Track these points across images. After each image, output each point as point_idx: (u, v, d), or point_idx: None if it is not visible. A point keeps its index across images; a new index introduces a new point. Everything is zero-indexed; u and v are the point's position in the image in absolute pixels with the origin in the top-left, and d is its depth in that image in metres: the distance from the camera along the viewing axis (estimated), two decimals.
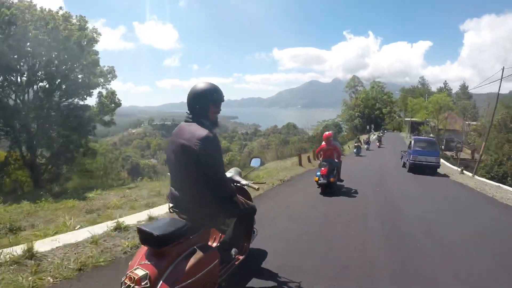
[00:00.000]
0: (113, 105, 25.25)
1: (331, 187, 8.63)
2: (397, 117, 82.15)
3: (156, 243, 2.24)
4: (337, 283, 3.46)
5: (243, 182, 3.36)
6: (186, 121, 2.73)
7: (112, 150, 59.91)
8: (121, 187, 14.42)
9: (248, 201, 3.24)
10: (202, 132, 2.53)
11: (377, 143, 34.83)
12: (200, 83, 2.73)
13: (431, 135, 40.79)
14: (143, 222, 4.95)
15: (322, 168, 8.56)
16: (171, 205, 2.83)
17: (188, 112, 2.75)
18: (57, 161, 23.42)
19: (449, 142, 40.46)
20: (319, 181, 8.52)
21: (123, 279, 2.16)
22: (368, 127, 65.14)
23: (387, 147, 33.92)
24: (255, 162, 4.09)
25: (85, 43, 22.37)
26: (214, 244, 3.33)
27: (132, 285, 2.09)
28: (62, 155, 23.16)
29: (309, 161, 18.37)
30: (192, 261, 2.33)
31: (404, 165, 17.94)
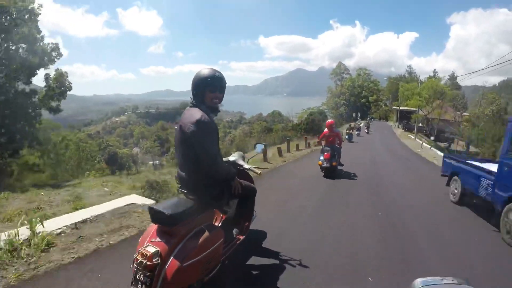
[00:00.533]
0: (62, 88, 21.75)
1: (333, 171, 9.29)
2: (383, 106, 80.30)
3: (167, 222, 2.42)
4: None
5: (246, 166, 3.57)
6: (190, 106, 2.77)
7: (87, 139, 56.47)
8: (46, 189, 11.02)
9: (250, 184, 3.45)
10: (197, 115, 2.59)
11: (366, 130, 35.55)
12: (203, 69, 2.78)
13: (420, 124, 38.68)
14: None
15: (325, 153, 9.21)
16: (179, 185, 2.95)
17: (191, 97, 2.80)
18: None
19: (440, 132, 38.27)
20: (322, 165, 9.25)
21: (135, 256, 2.29)
22: (354, 115, 62.50)
23: (375, 135, 33.56)
24: (259, 148, 4.09)
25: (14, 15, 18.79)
26: (217, 224, 3.39)
27: (144, 261, 2.21)
28: (4, 146, 19.68)
29: (289, 150, 15.86)
30: (200, 239, 2.50)
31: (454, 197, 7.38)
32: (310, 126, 65.96)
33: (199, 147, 2.60)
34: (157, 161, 64.81)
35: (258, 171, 3.55)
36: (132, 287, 2.30)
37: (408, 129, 39.73)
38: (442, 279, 1.23)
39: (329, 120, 10.25)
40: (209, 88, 2.71)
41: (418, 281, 1.23)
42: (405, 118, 47.80)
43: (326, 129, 9.81)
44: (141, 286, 2.25)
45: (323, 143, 9.97)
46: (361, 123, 45.74)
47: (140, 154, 67.34)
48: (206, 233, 2.56)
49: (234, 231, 3.38)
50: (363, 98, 78.95)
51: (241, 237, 3.42)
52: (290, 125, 65.98)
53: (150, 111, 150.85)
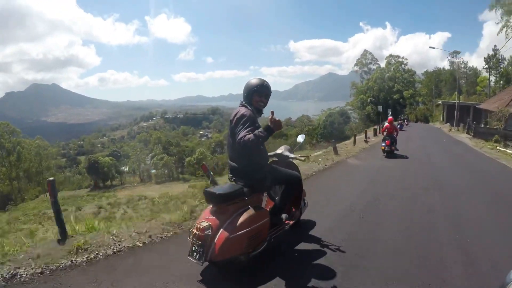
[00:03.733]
0: None
1: (392, 153, 12.76)
2: (420, 105, 64.05)
3: (217, 200, 3.02)
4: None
5: (291, 155, 3.99)
6: (240, 106, 3.33)
7: (46, 146, 54.98)
8: None
9: (294, 172, 3.88)
10: (241, 110, 3.16)
11: (405, 123, 36.92)
12: (254, 78, 3.42)
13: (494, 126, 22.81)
14: None
15: (386, 140, 12.66)
16: (230, 175, 3.44)
17: (242, 100, 3.38)
18: None
19: None
20: (384, 149, 12.69)
21: (191, 229, 2.94)
22: (389, 111, 45.41)
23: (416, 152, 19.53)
24: (300, 138, 4.42)
25: None
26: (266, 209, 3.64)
27: (198, 233, 2.79)
28: None
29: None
30: (245, 216, 2.99)
31: None
32: (329, 130, 50.38)
33: (235, 129, 3.06)
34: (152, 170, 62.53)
35: (302, 158, 4.61)
36: (189, 257, 2.91)
37: (479, 133, 23.10)
38: None
39: (390, 117, 15.06)
40: (257, 93, 3.33)
41: None
42: (463, 116, 31.92)
43: (387, 123, 13.49)
44: (195, 256, 2.84)
45: (383, 133, 13.35)
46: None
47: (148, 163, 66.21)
48: (251, 211, 3.06)
49: (283, 216, 3.68)
50: (396, 94, 61.79)
51: (290, 222, 3.78)
52: (306, 129, 52.72)
53: (178, 116, 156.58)
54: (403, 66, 65.44)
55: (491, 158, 13.46)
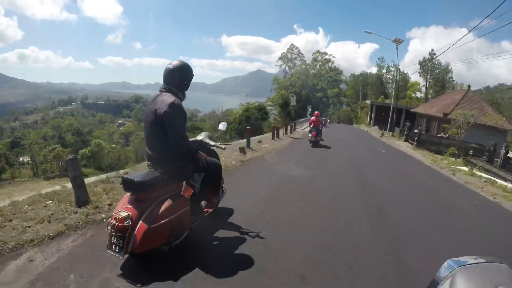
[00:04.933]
0: None
1: (317, 143, 14.15)
2: (344, 106, 60.49)
3: (137, 189, 2.81)
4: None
5: (212, 143, 3.88)
6: (160, 91, 3.16)
7: None
8: None
9: (215, 159, 3.80)
10: (170, 99, 2.98)
11: (328, 121, 36.66)
12: (178, 61, 3.23)
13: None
14: None
15: (313, 132, 14.05)
16: (148, 163, 3.27)
17: (164, 84, 3.16)
18: None
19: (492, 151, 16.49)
20: (311, 139, 14.07)
21: (109, 220, 2.67)
22: (309, 108, 40.76)
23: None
24: (222, 126, 4.44)
25: None
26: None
27: (117, 224, 2.57)
28: None
29: None
30: (166, 205, 2.86)
31: None
32: (245, 125, 43.57)
33: (170, 127, 2.94)
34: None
35: (223, 146, 3.95)
36: (108, 250, 2.65)
37: (422, 142, 17.37)
38: (475, 258, 1.18)
39: (316, 112, 15.82)
40: (188, 78, 3.24)
41: (450, 262, 1.17)
42: (408, 121, 26.72)
43: (314, 117, 14.79)
44: (115, 248, 2.60)
45: (310, 126, 14.71)
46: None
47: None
48: (172, 200, 2.92)
49: (203, 203, 3.62)
50: (320, 92, 56.74)
51: (209, 210, 3.82)
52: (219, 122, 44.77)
53: (99, 102, 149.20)
54: (330, 64, 60.83)
55: (498, 205, 6.89)
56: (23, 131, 79.79)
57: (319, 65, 60.49)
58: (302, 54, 63.57)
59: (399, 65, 43.51)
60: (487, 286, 1.06)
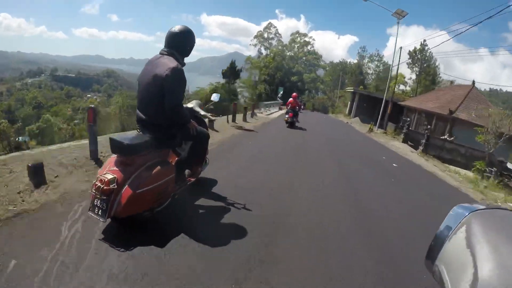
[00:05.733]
0: None
1: (293, 124, 14.16)
2: (320, 94, 56.90)
3: (125, 152, 2.67)
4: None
5: (202, 113, 3.82)
6: (161, 54, 3.02)
7: None
8: None
9: (204, 129, 3.65)
10: (173, 63, 2.86)
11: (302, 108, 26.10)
12: (183, 26, 3.09)
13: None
14: None
15: (290, 113, 14.02)
16: (138, 125, 3.12)
17: (166, 47, 3.02)
18: None
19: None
20: (287, 120, 14.06)
21: (94, 181, 2.56)
22: (280, 90, 36.46)
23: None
24: (215, 97, 4.36)
25: None
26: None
27: (102, 186, 2.47)
28: None
29: None
30: (153, 171, 2.73)
31: None
32: (210, 106, 41.00)
33: (169, 92, 2.84)
34: None
35: (213, 118, 4.17)
36: (90, 212, 2.54)
37: (431, 147, 12.67)
38: (484, 204, 1.15)
39: (294, 94, 15.31)
40: (192, 44, 3.14)
41: (459, 210, 1.14)
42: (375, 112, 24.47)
43: (291, 99, 14.52)
44: (98, 211, 2.48)
45: (287, 107, 14.59)
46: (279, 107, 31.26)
47: None
48: (159, 167, 2.80)
49: (186, 172, 3.58)
50: (295, 75, 51.76)
51: (192, 179, 3.65)
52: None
53: (69, 75, 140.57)
54: (309, 47, 55.82)
55: None
56: None
57: (297, 46, 55.54)
58: (279, 34, 58.03)
59: (401, 47, 38.61)
60: (504, 229, 1.04)
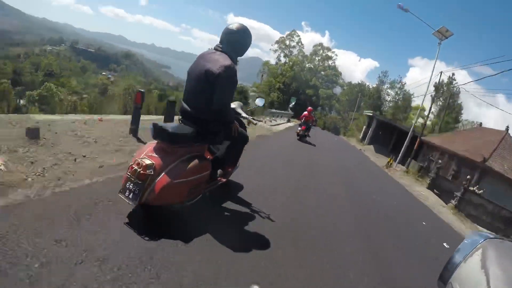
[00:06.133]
0: None
1: (305, 137, 13.99)
2: (333, 113, 54.86)
3: (168, 139, 2.56)
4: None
5: (244, 115, 3.68)
6: (215, 49, 2.89)
7: None
8: None
9: (244, 131, 3.50)
10: (227, 61, 2.73)
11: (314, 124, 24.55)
12: (240, 24, 2.93)
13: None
14: None
15: (302, 126, 13.76)
16: (181, 117, 3.03)
17: (221, 43, 2.89)
18: None
19: None
20: (299, 133, 13.74)
21: (130, 163, 2.45)
22: (293, 101, 34.65)
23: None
24: (259, 101, 4.16)
25: None
26: None
27: (139, 170, 2.35)
28: None
29: None
30: (192, 164, 2.62)
31: None
32: None
33: (220, 90, 2.73)
34: None
35: (255, 122, 3.90)
36: (120, 194, 2.42)
37: (473, 207, 10.12)
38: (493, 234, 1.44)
39: (309, 108, 15.02)
40: (248, 45, 3.01)
41: (474, 236, 1.24)
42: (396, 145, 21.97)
43: (306, 112, 14.19)
44: (129, 194, 2.37)
45: (301, 120, 14.16)
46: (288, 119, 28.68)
47: None
48: (197, 160, 2.69)
49: (219, 171, 3.43)
50: (311, 89, 49.61)
51: (223, 180, 3.53)
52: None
53: (89, 49, 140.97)
54: (330, 62, 53.63)
55: None
56: None
57: (318, 59, 53.38)
58: (302, 44, 56.01)
59: (441, 72, 35.74)
60: None
